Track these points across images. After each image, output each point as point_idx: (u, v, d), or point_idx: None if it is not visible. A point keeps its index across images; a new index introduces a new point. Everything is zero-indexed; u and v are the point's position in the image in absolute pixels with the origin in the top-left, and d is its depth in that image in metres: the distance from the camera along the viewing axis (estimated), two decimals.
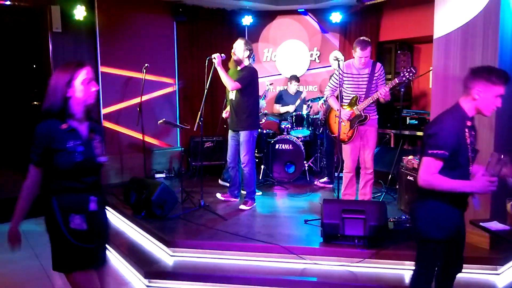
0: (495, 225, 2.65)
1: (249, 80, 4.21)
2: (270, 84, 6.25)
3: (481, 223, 2.70)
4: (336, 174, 4.60)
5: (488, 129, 3.20)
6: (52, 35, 5.14)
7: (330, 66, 5.58)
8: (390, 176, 4.75)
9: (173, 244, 3.51)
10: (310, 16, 6.62)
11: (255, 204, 4.49)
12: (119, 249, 3.73)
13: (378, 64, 3.94)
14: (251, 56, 4.72)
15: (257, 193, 5.00)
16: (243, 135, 4.29)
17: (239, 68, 4.30)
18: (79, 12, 5.17)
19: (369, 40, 3.87)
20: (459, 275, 3.05)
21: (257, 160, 5.66)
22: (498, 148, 3.17)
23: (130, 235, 4.05)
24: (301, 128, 5.61)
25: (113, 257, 3.72)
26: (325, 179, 5.39)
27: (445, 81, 3.50)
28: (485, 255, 3.15)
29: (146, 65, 5.19)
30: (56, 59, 5.19)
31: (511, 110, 3.31)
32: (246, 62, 4.30)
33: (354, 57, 3.93)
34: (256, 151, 5.64)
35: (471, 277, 3.04)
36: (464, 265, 3.09)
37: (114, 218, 4.50)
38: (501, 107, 3.13)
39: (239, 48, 4.22)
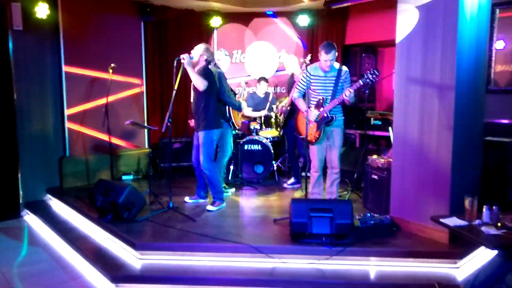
0: (454, 221, 2.79)
1: (207, 79, 4.17)
2: (246, 83, 6.22)
3: (441, 219, 2.83)
4: (303, 174, 4.67)
5: (446, 129, 3.35)
6: (13, 33, 4.94)
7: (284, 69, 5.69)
8: (355, 175, 4.87)
9: (141, 247, 3.46)
10: (279, 19, 6.70)
11: (223, 204, 4.48)
12: (84, 254, 3.64)
13: (344, 68, 4.04)
14: (224, 57, 4.74)
15: (230, 191, 4.99)
16: (200, 135, 4.28)
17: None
18: (42, 10, 5.00)
19: (334, 43, 3.95)
20: (418, 269, 3.20)
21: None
22: (457, 148, 3.33)
23: (96, 239, 3.95)
24: (269, 128, 5.67)
25: (79, 262, 3.63)
26: (292, 180, 5.46)
27: (407, 83, 3.64)
28: (445, 250, 3.29)
29: (112, 65, 5.09)
30: (17, 58, 5.00)
31: (471, 110, 3.49)
32: (201, 64, 4.27)
33: (320, 60, 4.01)
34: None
35: (432, 271, 3.17)
36: (424, 259, 3.25)
37: (79, 222, 4.38)
38: (460, 107, 3.33)
39: (195, 50, 4.24)
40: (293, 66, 5.25)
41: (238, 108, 4.96)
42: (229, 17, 6.60)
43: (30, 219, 4.86)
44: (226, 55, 4.84)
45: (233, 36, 6.77)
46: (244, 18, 6.70)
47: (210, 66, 4.35)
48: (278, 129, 5.72)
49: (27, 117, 5.13)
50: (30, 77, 5.14)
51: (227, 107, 4.83)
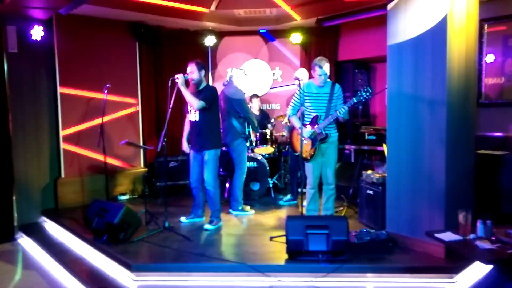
0: (448, 235, 2.79)
1: (213, 98, 4.26)
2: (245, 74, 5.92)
3: (435, 234, 2.84)
4: (299, 190, 4.67)
5: (439, 143, 3.38)
6: (8, 56, 4.98)
7: (293, 84, 5.72)
8: (351, 190, 4.88)
9: (137, 268, 3.43)
10: (272, 37, 6.79)
11: (220, 223, 4.47)
12: (79, 277, 3.60)
13: (337, 85, 4.10)
14: (243, 76, 4.89)
15: (249, 213, 4.95)
16: (207, 154, 4.30)
17: (199, 88, 4.33)
18: (37, 33, 5.06)
19: (327, 59, 4.01)
20: (415, 285, 3.18)
21: (222, 179, 5.68)
22: (450, 162, 3.36)
23: (91, 261, 3.91)
24: (265, 145, 5.68)
25: (74, 285, 3.58)
26: (288, 196, 5.46)
27: (399, 98, 3.69)
28: (441, 264, 3.28)
29: (107, 85, 5.12)
30: (12, 80, 5.03)
31: (463, 124, 3.53)
32: (205, 82, 4.34)
33: (314, 77, 4.07)
34: (221, 169, 5.67)
35: (428, 286, 3.16)
36: (421, 274, 3.24)
37: (74, 243, 4.34)
38: (452, 121, 3.36)
39: (193, 71, 4.26)
40: (304, 78, 5.18)
41: (256, 129, 5.04)
42: (224, 36, 6.68)
43: (25, 242, 4.82)
44: (245, 74, 4.92)
45: (227, 54, 6.85)
46: (238, 37, 6.78)
47: (226, 81, 4.82)
48: (274, 146, 5.73)
49: (22, 138, 5.14)
50: (25, 99, 5.17)
51: (246, 124, 4.88)
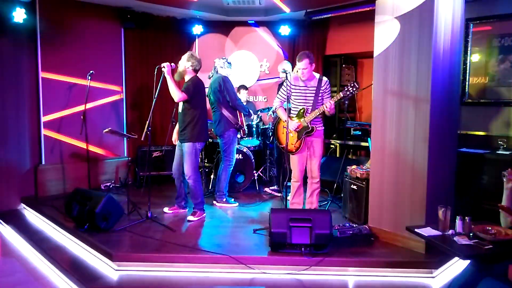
0: (428, 231, 2.84)
1: (194, 91, 4.21)
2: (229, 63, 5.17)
3: (416, 229, 2.88)
4: (284, 183, 4.69)
5: (422, 141, 3.43)
6: None
7: (279, 77, 5.73)
8: (335, 185, 4.92)
9: (118, 258, 3.40)
10: (261, 29, 6.75)
11: (204, 214, 4.46)
12: (60, 265, 3.54)
13: (324, 79, 4.10)
14: (226, 65, 4.83)
15: (233, 205, 4.94)
16: (185, 146, 4.27)
17: (186, 79, 4.30)
18: (19, 15, 4.91)
19: (308, 53, 3.97)
20: (395, 279, 3.24)
21: (207, 170, 5.66)
22: (432, 159, 3.41)
23: (72, 250, 3.86)
24: (251, 138, 5.68)
25: (54, 273, 3.54)
26: (274, 186, 5.49)
27: (384, 95, 3.71)
28: (421, 259, 3.35)
29: (91, 71, 5.02)
30: None
31: (446, 122, 3.58)
32: (190, 74, 4.29)
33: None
34: (206, 161, 5.65)
35: (408, 281, 3.23)
36: (401, 268, 3.30)
37: (54, 232, 4.28)
38: (435, 119, 3.41)
39: (182, 60, 4.25)
40: (289, 71, 5.20)
41: (249, 114, 4.99)
42: (211, 25, 6.61)
43: (4, 229, 4.72)
44: (228, 62, 4.88)
45: (214, 44, 6.78)
46: (226, 27, 6.72)
47: (210, 73, 4.66)
48: (260, 138, 5.73)
49: (1, 123, 5.01)
50: (5, 82, 5.02)
51: (237, 112, 4.84)
